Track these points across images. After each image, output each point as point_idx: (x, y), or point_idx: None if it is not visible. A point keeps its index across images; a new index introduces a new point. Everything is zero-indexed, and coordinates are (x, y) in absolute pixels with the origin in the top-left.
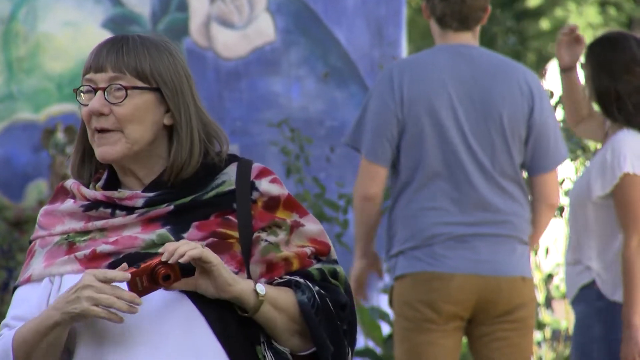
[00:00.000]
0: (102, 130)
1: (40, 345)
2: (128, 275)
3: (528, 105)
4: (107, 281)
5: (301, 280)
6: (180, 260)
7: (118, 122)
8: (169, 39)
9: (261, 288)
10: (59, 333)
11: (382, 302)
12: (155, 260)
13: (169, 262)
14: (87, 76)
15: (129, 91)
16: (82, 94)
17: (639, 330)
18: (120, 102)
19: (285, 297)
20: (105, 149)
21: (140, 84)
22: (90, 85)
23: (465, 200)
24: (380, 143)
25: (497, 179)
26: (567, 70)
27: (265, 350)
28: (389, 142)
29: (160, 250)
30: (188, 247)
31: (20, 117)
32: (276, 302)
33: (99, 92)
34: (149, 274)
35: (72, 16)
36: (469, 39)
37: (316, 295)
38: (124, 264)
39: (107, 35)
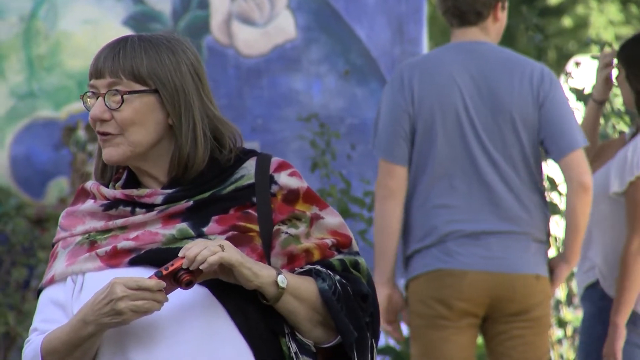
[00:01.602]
0: (105, 134)
1: (74, 355)
2: (163, 283)
3: (538, 96)
4: (140, 289)
5: (322, 268)
6: (201, 267)
7: (119, 127)
8: (181, 35)
9: (282, 279)
10: (94, 341)
11: None
12: (177, 264)
13: (191, 268)
14: (91, 82)
15: (126, 96)
16: (88, 99)
17: (621, 330)
18: (119, 107)
19: (307, 286)
20: (109, 151)
21: (137, 87)
22: (93, 91)
23: (477, 197)
24: (396, 141)
25: (509, 175)
26: (600, 103)
27: (289, 342)
28: (404, 140)
29: (180, 253)
30: (208, 252)
31: (40, 114)
32: (298, 292)
33: (100, 99)
34: (172, 278)
35: (92, 14)
36: (477, 34)
37: (337, 284)
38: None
39: (127, 33)
